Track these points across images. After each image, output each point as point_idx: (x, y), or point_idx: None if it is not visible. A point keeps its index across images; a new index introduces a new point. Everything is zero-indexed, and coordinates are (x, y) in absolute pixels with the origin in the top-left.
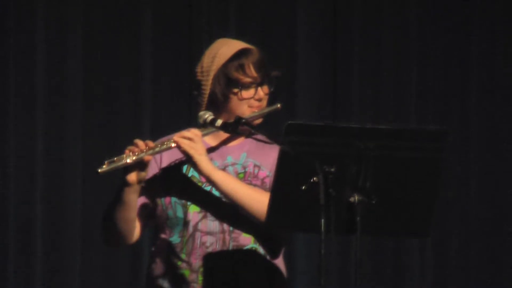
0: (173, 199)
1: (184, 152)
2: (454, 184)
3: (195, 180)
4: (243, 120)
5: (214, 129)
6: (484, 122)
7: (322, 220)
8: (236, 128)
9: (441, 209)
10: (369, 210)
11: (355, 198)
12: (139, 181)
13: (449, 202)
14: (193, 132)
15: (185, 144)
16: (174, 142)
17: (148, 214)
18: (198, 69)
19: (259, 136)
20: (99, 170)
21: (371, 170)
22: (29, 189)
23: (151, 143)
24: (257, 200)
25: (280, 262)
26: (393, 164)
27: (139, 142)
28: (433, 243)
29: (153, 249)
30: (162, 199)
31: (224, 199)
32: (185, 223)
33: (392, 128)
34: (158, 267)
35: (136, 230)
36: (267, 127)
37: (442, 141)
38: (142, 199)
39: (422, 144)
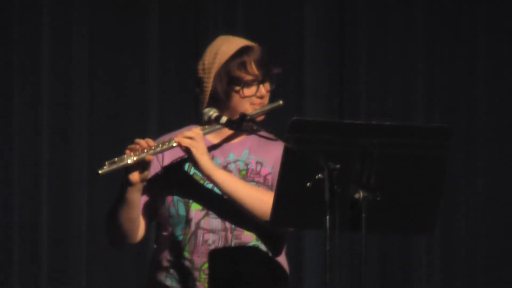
0: (175, 197)
1: (186, 151)
2: (461, 182)
3: (197, 177)
4: (248, 117)
5: (217, 126)
6: (492, 119)
7: (327, 217)
8: (241, 124)
9: (448, 206)
10: (373, 207)
11: (360, 195)
12: (142, 180)
13: (457, 199)
14: (195, 131)
15: (187, 143)
16: (176, 141)
17: (151, 212)
18: (200, 67)
19: (264, 133)
20: (100, 171)
21: (375, 167)
22: (34, 191)
23: (151, 142)
24: (259, 200)
25: (282, 258)
26: (398, 161)
27: (140, 141)
28: (440, 240)
29: (155, 246)
30: (165, 197)
31: (226, 197)
32: (187, 220)
33: (396, 125)
34: (161, 265)
35: (140, 229)
36: (273, 124)
37: (446, 138)
38: (145, 198)
39: (426, 141)
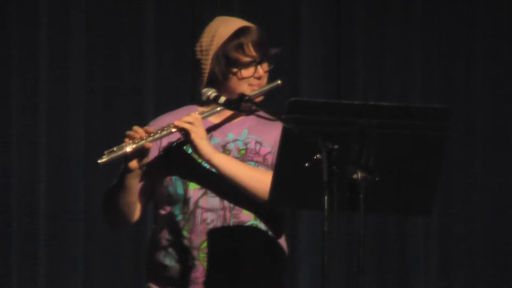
0: (174, 176)
1: (185, 136)
2: (458, 166)
3: (195, 157)
4: (246, 97)
5: (216, 109)
6: (489, 101)
7: (325, 197)
8: (239, 104)
9: (446, 192)
10: (371, 188)
11: (358, 175)
12: (141, 167)
13: (454, 184)
14: (193, 116)
15: (186, 128)
16: (175, 126)
17: (149, 194)
18: (198, 48)
19: (262, 113)
20: (99, 161)
21: (374, 148)
22: (32, 180)
23: (150, 130)
24: (259, 181)
25: (281, 239)
26: (396, 141)
27: (138, 130)
28: (437, 222)
29: (154, 226)
30: (163, 177)
31: (226, 180)
32: (186, 199)
33: (395, 105)
34: (159, 244)
35: (137, 210)
36: (271, 104)
37: (446, 119)
38: (143, 180)
39: (425, 122)
